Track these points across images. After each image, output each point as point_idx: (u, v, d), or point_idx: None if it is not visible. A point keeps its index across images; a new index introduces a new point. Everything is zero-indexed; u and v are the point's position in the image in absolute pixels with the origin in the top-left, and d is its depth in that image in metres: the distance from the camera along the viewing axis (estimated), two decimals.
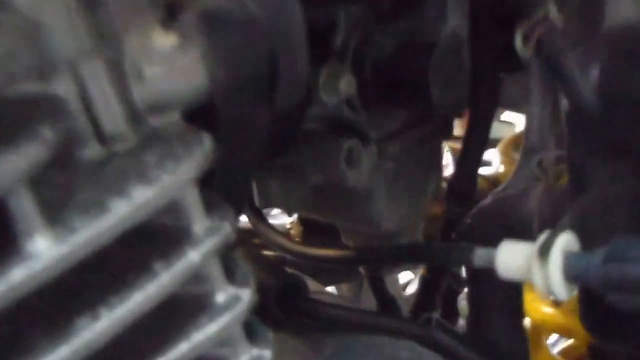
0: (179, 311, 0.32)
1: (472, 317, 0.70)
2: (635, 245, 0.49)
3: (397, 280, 1.40)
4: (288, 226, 0.97)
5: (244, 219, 0.85)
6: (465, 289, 1.00)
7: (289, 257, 0.78)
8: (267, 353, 0.37)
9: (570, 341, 1.26)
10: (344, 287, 1.12)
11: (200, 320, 0.32)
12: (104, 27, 0.29)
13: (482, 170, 1.12)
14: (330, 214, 0.71)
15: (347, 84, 0.56)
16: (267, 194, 0.68)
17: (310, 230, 0.93)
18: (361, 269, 0.83)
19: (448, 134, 0.76)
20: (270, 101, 0.36)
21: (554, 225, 0.59)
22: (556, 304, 1.07)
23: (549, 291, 0.54)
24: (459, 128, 0.93)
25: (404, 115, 0.64)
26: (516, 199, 0.70)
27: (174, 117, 0.31)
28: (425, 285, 0.81)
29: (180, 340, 0.31)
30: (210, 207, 0.31)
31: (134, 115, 0.29)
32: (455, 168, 0.75)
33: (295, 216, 1.00)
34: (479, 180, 0.98)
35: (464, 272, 0.95)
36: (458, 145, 0.90)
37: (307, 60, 0.37)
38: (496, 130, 1.22)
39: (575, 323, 1.03)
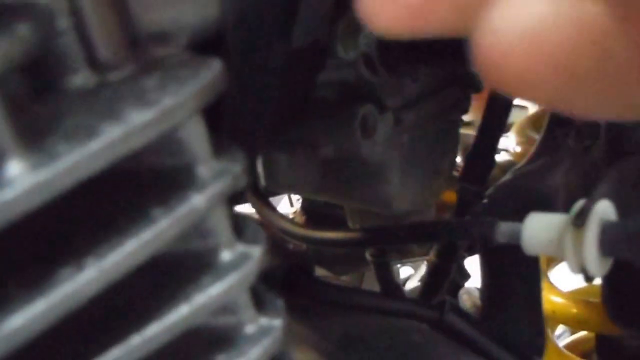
0: (179, 269, 0.27)
1: (487, 303, 0.66)
2: None
3: (397, 275, 1.36)
4: (291, 216, 0.94)
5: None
6: (466, 284, 0.96)
7: (294, 242, 0.74)
8: (277, 322, 0.32)
9: (576, 335, 1.23)
10: (346, 277, 1.08)
11: (203, 280, 0.28)
12: None
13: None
14: (339, 193, 0.66)
15: (367, 38, 0.51)
16: (274, 171, 0.63)
17: (314, 219, 0.88)
18: (367, 255, 0.79)
19: (465, 109, 0.71)
20: (287, 37, 0.32)
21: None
22: (566, 294, 1.04)
23: (582, 267, 0.50)
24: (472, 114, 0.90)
25: (424, 80, 0.59)
26: (539, 172, 0.66)
27: (179, 47, 0.27)
28: (434, 271, 0.76)
29: (179, 302, 0.26)
30: (217, 147, 0.27)
31: (134, 41, 0.24)
32: (473, 143, 0.70)
33: (298, 205, 0.96)
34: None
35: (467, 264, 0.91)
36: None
37: None
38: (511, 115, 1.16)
39: (586, 313, 1.01)
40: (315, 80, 0.50)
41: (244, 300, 0.32)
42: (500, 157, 1.15)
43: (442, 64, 0.56)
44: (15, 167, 0.20)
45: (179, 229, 0.25)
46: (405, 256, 0.82)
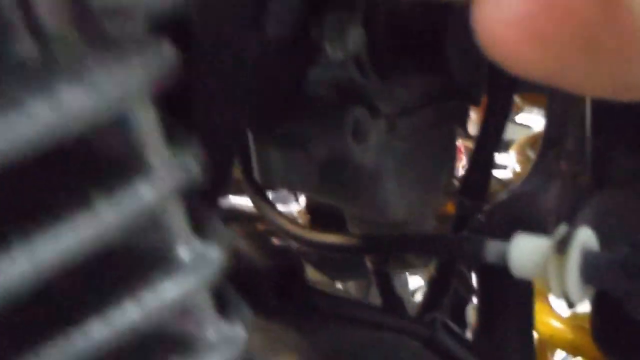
0: (130, 266, 0.26)
1: (480, 322, 0.64)
2: None
3: (406, 285, 1.35)
4: (296, 214, 0.93)
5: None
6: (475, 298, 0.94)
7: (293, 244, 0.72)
8: (239, 330, 0.31)
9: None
10: (352, 286, 1.07)
11: (155, 279, 0.26)
12: None
13: (497, 173, 1.07)
14: (335, 195, 0.64)
15: (356, 38, 0.49)
16: (268, 167, 0.61)
17: (318, 219, 0.87)
18: (368, 263, 0.77)
19: (464, 122, 0.70)
20: (259, 26, 0.31)
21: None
22: (565, 319, 1.03)
23: (564, 292, 0.49)
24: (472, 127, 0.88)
25: (419, 87, 0.58)
26: (533, 195, 0.64)
27: (136, 26, 0.25)
28: (433, 286, 0.75)
29: (124, 300, 0.25)
30: (171, 135, 0.25)
31: (85, 13, 0.23)
32: (470, 158, 0.69)
33: (302, 205, 0.94)
34: (493, 182, 0.92)
35: (474, 279, 0.89)
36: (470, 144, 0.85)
37: None
38: (512, 132, 1.16)
39: (583, 340, 0.99)
40: (304, 76, 0.49)
41: (204, 303, 0.30)
42: (502, 174, 1.14)
43: (434, 73, 0.54)
44: None
45: (124, 221, 0.23)
46: (405, 266, 0.81)
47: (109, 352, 0.26)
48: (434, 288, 0.73)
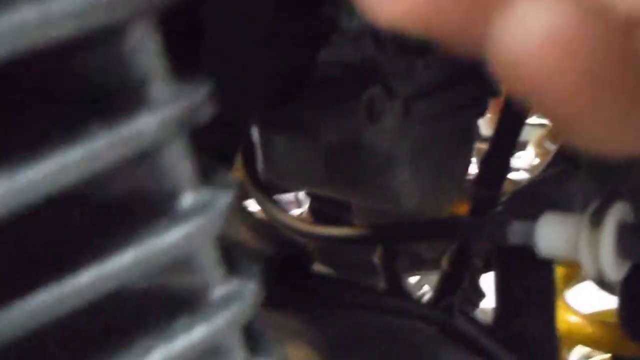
0: (127, 207, 0.24)
1: (500, 308, 0.61)
2: None
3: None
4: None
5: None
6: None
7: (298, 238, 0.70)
8: (250, 286, 0.28)
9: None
10: None
11: (157, 225, 0.24)
12: None
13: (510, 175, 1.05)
14: (345, 186, 0.62)
15: None
16: (273, 158, 0.59)
17: (321, 221, 0.85)
18: (376, 258, 0.75)
19: (483, 111, 0.68)
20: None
21: None
22: (582, 314, 1.02)
23: (598, 270, 0.46)
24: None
25: (440, 68, 0.55)
26: (556, 179, 0.61)
27: None
28: (445, 279, 0.72)
29: (123, 244, 0.23)
30: (179, 73, 0.23)
31: None
32: (489, 146, 0.67)
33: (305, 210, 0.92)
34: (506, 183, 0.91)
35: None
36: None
37: None
38: (526, 133, 1.14)
39: (601, 333, 0.98)
40: (315, 57, 0.47)
41: (211, 256, 0.28)
42: (518, 175, 1.12)
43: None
44: None
45: (122, 151, 0.21)
46: (415, 263, 0.78)
47: (107, 306, 0.23)
48: (445, 282, 0.70)
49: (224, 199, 0.26)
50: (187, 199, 0.25)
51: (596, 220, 0.45)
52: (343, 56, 0.52)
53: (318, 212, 0.84)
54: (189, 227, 0.25)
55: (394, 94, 0.53)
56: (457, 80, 0.59)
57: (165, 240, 0.24)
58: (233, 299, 0.28)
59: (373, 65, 0.52)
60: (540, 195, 0.62)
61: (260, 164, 0.63)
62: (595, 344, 1.01)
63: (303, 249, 0.57)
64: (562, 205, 0.61)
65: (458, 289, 0.76)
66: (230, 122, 0.39)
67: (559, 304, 0.89)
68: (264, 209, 0.71)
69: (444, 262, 0.75)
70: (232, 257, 0.29)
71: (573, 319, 0.97)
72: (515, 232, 0.50)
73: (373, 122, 0.52)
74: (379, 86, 0.52)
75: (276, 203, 0.70)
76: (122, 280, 0.24)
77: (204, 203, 0.26)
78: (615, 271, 0.45)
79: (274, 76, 0.48)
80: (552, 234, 0.48)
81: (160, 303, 0.27)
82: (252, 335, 0.30)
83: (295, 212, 1.01)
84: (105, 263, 0.23)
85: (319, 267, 0.69)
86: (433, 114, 0.58)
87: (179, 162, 0.25)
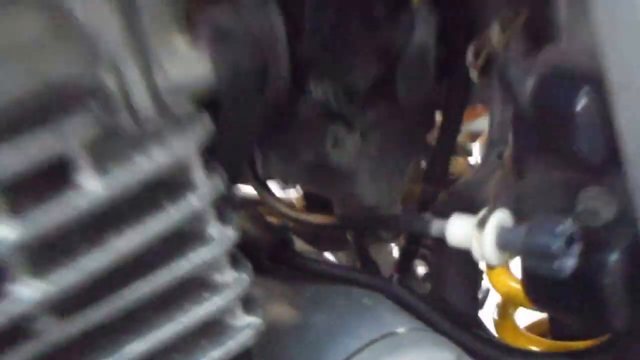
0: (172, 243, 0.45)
1: (434, 281, 0.84)
2: (550, 222, 0.62)
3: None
4: (294, 200, 1.12)
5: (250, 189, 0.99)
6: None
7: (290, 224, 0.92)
8: (245, 277, 0.50)
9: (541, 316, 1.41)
10: (342, 257, 1.26)
11: (192, 246, 0.46)
12: (140, 36, 0.42)
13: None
14: (321, 188, 0.84)
15: (331, 88, 0.68)
16: (268, 166, 0.81)
17: (312, 203, 1.06)
18: (349, 237, 0.97)
19: (430, 126, 0.88)
20: (262, 93, 0.49)
21: None
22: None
23: (484, 257, 0.67)
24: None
25: (386, 107, 0.76)
26: (477, 184, 0.83)
27: (188, 104, 0.44)
28: (403, 252, 0.94)
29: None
30: (209, 168, 0.44)
31: (159, 103, 0.42)
32: (430, 155, 0.88)
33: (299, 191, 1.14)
34: (463, 164, 1.12)
35: None
36: None
37: (288, 65, 0.50)
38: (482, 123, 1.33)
39: None
40: (296, 102, 0.67)
41: (223, 260, 0.49)
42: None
43: (390, 101, 0.72)
44: (91, 181, 0.38)
45: (183, 217, 0.43)
46: (378, 239, 1.00)
47: None
48: (403, 254, 0.93)
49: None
50: (212, 232, 0.47)
51: (481, 225, 0.66)
52: (316, 101, 0.73)
53: (309, 195, 1.06)
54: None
55: (352, 128, 0.74)
56: (404, 112, 0.80)
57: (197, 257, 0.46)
58: (236, 283, 0.49)
59: (336, 110, 0.73)
60: (463, 197, 0.83)
61: (259, 169, 0.85)
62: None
63: (287, 235, 0.78)
64: (480, 203, 0.82)
65: (413, 259, 0.98)
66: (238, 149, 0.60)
67: (499, 270, 1.10)
68: (262, 198, 0.92)
69: (401, 239, 0.98)
70: (236, 258, 0.50)
71: (514, 285, 1.16)
72: (434, 228, 0.71)
73: (337, 148, 0.73)
74: (340, 124, 0.73)
75: (272, 193, 0.92)
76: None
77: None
78: (496, 259, 0.66)
79: (270, 116, 0.69)
80: (456, 231, 0.69)
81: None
82: (247, 302, 0.52)
83: (292, 192, 1.22)
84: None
85: (302, 245, 0.91)
86: (385, 138, 0.79)
87: (209, 213, 0.46)
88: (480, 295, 1.03)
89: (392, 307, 0.74)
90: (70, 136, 0.39)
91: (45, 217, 0.39)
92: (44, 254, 0.40)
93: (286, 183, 0.86)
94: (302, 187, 0.92)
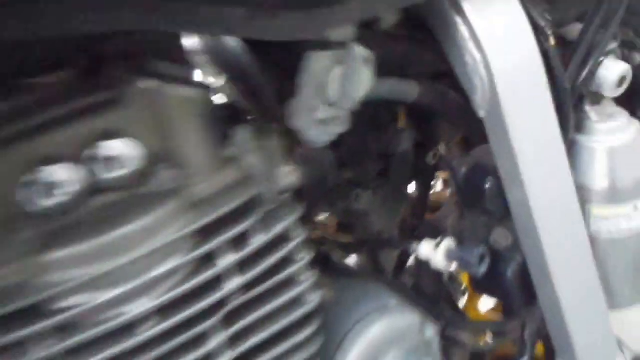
0: None
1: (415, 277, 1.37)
2: (473, 247, 1.14)
3: None
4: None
5: None
6: None
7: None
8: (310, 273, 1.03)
9: None
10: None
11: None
12: (270, 166, 0.94)
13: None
14: (348, 220, 1.37)
15: None
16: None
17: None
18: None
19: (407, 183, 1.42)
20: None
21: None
22: None
23: (437, 265, 1.20)
24: None
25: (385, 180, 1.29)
26: (441, 220, 1.35)
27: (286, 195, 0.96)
28: (399, 259, 1.48)
29: None
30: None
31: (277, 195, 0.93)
32: (410, 205, 1.41)
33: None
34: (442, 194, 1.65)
35: None
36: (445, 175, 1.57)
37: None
38: None
39: None
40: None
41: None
42: None
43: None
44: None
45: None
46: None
47: None
48: (398, 261, 1.46)
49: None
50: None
51: (437, 245, 1.19)
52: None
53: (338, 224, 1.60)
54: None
55: (367, 188, 1.27)
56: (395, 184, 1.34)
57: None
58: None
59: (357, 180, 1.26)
60: (437, 227, 1.35)
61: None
62: None
63: (326, 251, 1.31)
64: (444, 233, 1.35)
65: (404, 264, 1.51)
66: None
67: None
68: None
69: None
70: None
71: None
72: (413, 247, 1.24)
73: (358, 201, 1.26)
74: (360, 186, 1.26)
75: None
76: None
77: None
78: (443, 267, 1.19)
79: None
80: (424, 250, 1.21)
81: None
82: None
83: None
84: None
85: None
86: (385, 193, 1.32)
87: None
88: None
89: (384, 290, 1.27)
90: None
91: None
92: None
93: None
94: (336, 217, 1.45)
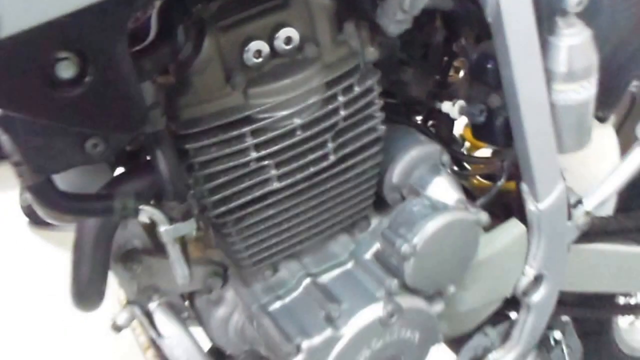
0: None
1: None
2: (474, 105, 1.82)
3: None
4: None
5: None
6: None
7: None
8: None
9: None
10: None
11: None
12: None
13: None
14: None
15: None
16: None
17: None
18: None
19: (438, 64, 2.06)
20: None
21: None
22: None
23: (454, 116, 1.88)
24: None
25: None
26: (457, 88, 2.02)
27: None
28: None
29: None
30: None
31: None
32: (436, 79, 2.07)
33: None
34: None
35: None
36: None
37: None
38: None
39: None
40: None
41: None
42: None
43: None
44: None
45: None
46: None
47: None
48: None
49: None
50: None
51: (453, 105, 1.86)
52: None
53: None
54: None
55: None
56: None
57: None
58: None
59: None
60: (455, 92, 2.02)
61: None
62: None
63: None
64: (464, 96, 2.02)
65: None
66: None
67: (467, 129, 2.31)
68: None
69: None
70: None
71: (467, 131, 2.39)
72: (438, 105, 1.91)
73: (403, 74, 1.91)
74: None
75: None
76: None
77: None
78: (459, 117, 1.86)
79: None
80: (445, 108, 1.88)
81: None
82: None
83: None
84: None
85: None
86: None
87: None
88: None
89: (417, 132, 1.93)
90: None
91: None
92: None
93: None
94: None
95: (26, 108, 1.04)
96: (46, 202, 1.26)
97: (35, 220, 6.31)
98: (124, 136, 1.22)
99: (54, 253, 5.08)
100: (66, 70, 1.02)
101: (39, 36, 0.95)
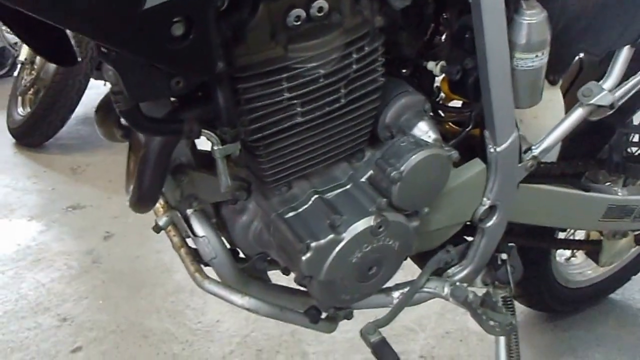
0: None
1: None
2: (453, 64, 2.29)
3: None
4: None
5: None
6: None
7: None
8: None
9: None
10: None
11: None
12: None
13: None
14: None
15: None
16: None
17: None
18: None
19: (427, 29, 2.51)
20: None
21: None
22: None
23: (437, 73, 2.35)
24: None
25: None
26: (440, 51, 2.48)
27: None
28: None
29: None
30: None
31: None
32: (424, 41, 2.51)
33: None
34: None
35: None
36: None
37: None
38: None
39: None
40: None
41: None
42: None
43: None
44: None
45: None
46: None
47: None
48: None
49: None
50: None
51: (436, 65, 2.32)
52: None
53: None
54: None
55: None
56: None
57: None
58: None
59: None
60: (439, 53, 2.48)
61: None
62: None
63: None
64: (446, 58, 2.48)
65: None
66: None
67: (444, 83, 2.78)
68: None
69: None
70: None
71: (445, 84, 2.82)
72: (424, 64, 2.38)
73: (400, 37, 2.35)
74: None
75: None
76: None
77: None
78: (439, 74, 2.33)
79: None
80: (429, 66, 2.35)
81: None
82: None
83: None
84: None
85: None
86: None
87: None
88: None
89: (406, 83, 2.38)
90: None
91: None
92: None
93: None
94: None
95: (149, 55, 1.46)
96: (134, 122, 1.66)
97: (22, 142, 6.65)
98: (202, 77, 1.66)
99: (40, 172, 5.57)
100: (178, 29, 1.45)
101: (166, 6, 1.38)
